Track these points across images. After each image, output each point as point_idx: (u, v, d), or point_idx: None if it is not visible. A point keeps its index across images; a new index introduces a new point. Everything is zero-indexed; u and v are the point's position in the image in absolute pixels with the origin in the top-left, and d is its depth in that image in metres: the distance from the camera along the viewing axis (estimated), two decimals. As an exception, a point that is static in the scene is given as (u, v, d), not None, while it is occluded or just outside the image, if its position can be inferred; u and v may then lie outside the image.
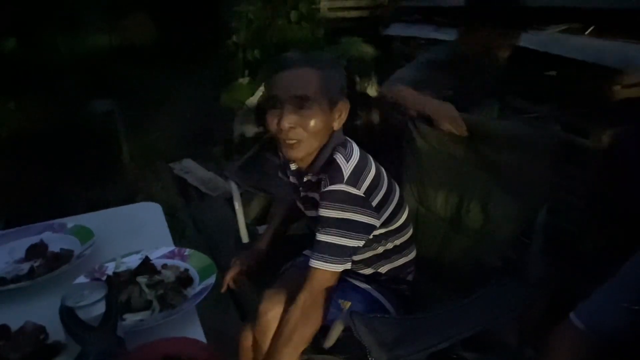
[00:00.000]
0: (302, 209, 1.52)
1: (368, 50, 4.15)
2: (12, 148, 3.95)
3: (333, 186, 1.27)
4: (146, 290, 1.04)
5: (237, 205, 1.92)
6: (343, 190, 1.27)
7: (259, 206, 2.18)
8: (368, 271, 1.50)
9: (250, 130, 4.37)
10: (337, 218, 1.28)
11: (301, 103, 1.27)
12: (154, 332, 0.96)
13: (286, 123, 1.26)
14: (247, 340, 1.50)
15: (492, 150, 1.61)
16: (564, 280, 1.45)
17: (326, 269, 1.28)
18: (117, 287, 1.02)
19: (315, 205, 1.39)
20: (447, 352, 1.28)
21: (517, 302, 1.43)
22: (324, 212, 1.28)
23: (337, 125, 1.35)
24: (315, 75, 1.28)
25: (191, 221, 3.13)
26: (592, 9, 2.76)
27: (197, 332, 0.98)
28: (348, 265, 1.33)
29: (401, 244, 1.50)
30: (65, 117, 4.47)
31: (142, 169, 4.01)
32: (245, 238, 1.90)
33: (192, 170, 4.08)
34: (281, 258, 1.69)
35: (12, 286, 1.14)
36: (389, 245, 1.47)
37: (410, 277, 1.59)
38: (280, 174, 1.69)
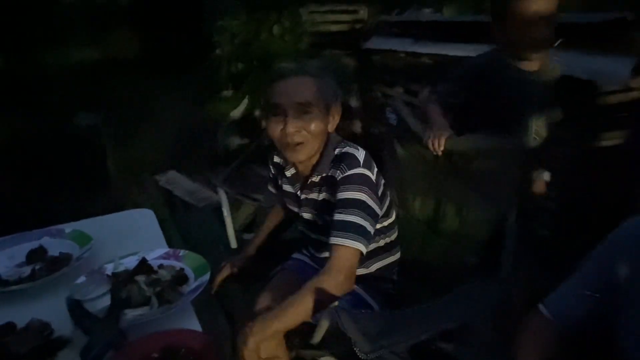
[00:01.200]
0: (298, 212, 1.61)
1: (349, 62, 4.28)
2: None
3: (352, 170, 1.39)
4: (145, 287, 1.11)
5: (226, 212, 2.00)
6: (361, 173, 1.40)
7: (245, 214, 2.26)
8: (359, 271, 1.58)
9: (235, 142, 4.44)
10: (356, 199, 1.38)
11: (303, 108, 1.39)
12: (154, 326, 1.03)
13: (292, 128, 1.38)
14: None
15: (463, 161, 1.72)
16: (536, 277, 1.55)
17: (349, 245, 1.34)
18: (117, 286, 1.09)
19: (316, 207, 1.52)
20: (427, 343, 1.37)
21: (491, 299, 1.54)
22: (344, 195, 1.39)
23: (331, 127, 1.48)
24: (313, 83, 1.41)
25: (177, 231, 3.19)
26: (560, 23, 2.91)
27: (194, 325, 1.05)
28: (365, 249, 1.38)
29: (390, 242, 1.62)
30: (52, 129, 4.50)
31: (127, 180, 4.05)
32: (233, 244, 1.97)
33: (177, 181, 4.12)
34: (270, 262, 1.76)
35: (15, 287, 1.20)
36: (381, 242, 1.58)
37: (395, 276, 1.69)
38: (270, 187, 1.78)
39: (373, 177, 1.43)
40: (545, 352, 1.14)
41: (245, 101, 4.33)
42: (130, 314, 1.05)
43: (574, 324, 1.14)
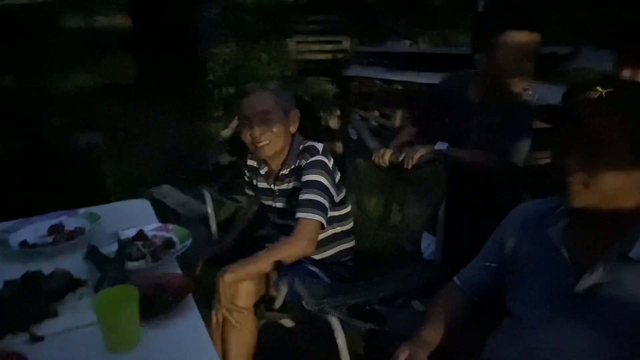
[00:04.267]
0: (272, 203, 1.97)
1: (329, 88, 4.69)
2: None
3: (313, 157, 1.80)
4: (141, 249, 1.47)
5: (210, 210, 2.35)
6: (320, 160, 1.80)
7: (226, 212, 2.61)
8: (317, 255, 1.92)
9: (224, 159, 4.81)
10: (317, 180, 1.77)
11: (265, 115, 1.80)
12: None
13: (257, 131, 1.79)
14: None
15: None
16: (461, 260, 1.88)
17: (311, 218, 1.72)
18: (121, 242, 1.45)
19: (287, 195, 1.90)
20: (364, 304, 1.71)
21: (422, 277, 1.88)
22: (307, 177, 1.78)
23: (293, 128, 1.89)
24: (270, 95, 1.83)
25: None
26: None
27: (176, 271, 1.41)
28: (324, 221, 1.74)
29: (346, 230, 1.99)
30: (55, 147, 4.82)
31: (125, 193, 4.37)
32: (215, 236, 2.31)
33: (170, 194, 4.46)
34: (244, 253, 2.09)
35: (40, 249, 1.56)
36: (337, 229, 1.95)
37: (349, 263, 2.03)
38: (246, 189, 2.15)
39: (330, 164, 1.83)
40: (453, 313, 1.37)
41: (235, 122, 4.70)
42: (131, 265, 1.40)
43: (479, 291, 1.40)
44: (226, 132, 4.72)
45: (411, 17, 5.26)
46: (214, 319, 1.65)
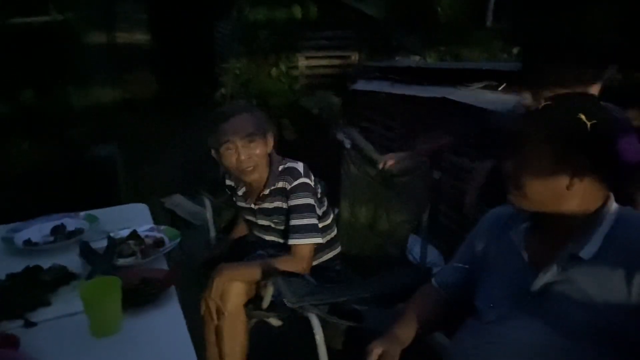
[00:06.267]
0: (254, 220, 2.02)
1: (337, 101, 4.79)
2: (24, 182, 4.47)
3: (297, 181, 1.83)
4: (133, 247, 1.58)
5: (209, 215, 2.47)
6: (304, 182, 1.84)
7: (226, 218, 2.72)
8: None
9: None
10: (305, 204, 1.82)
11: (249, 139, 1.80)
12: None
13: (243, 155, 1.79)
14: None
15: (391, 175, 2.16)
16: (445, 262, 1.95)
17: (306, 243, 1.80)
18: (112, 240, 1.57)
19: (269, 213, 1.94)
20: (345, 304, 1.78)
21: (404, 280, 1.95)
22: (295, 202, 1.82)
23: (269, 148, 1.90)
24: (252, 117, 1.84)
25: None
26: (506, 70, 3.39)
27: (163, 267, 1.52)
28: (321, 239, 1.82)
29: (331, 238, 2.05)
30: (72, 158, 5.02)
31: (137, 202, 4.50)
32: (213, 241, 2.43)
33: (181, 204, 4.59)
34: (238, 257, 2.18)
35: (42, 247, 1.69)
36: (323, 240, 1.97)
37: (338, 267, 2.11)
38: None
39: (312, 183, 1.88)
40: (428, 312, 1.44)
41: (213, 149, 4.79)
42: (122, 261, 1.52)
43: (453, 291, 1.45)
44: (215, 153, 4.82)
45: (420, 33, 5.35)
46: (203, 307, 1.76)
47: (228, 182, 2.11)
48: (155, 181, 5.00)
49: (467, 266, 1.45)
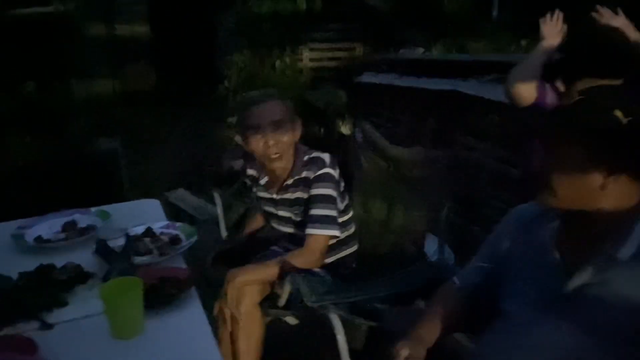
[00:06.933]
0: (275, 211, 1.98)
1: (342, 95, 4.74)
2: (25, 175, 4.42)
3: (321, 170, 1.79)
4: (149, 244, 1.54)
5: (219, 210, 2.43)
6: (328, 173, 1.80)
7: (236, 213, 2.68)
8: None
9: (238, 164, 4.88)
10: (326, 194, 1.78)
11: (278, 125, 1.78)
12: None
13: (271, 141, 1.77)
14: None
15: (406, 169, 2.14)
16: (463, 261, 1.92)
17: (322, 233, 1.76)
18: (129, 238, 1.52)
19: (290, 204, 1.90)
20: (366, 303, 1.75)
21: (422, 277, 1.91)
22: (317, 191, 1.78)
23: (296, 137, 1.87)
24: (280, 104, 1.83)
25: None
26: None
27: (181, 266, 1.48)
28: (338, 232, 1.78)
29: (349, 235, 2.00)
30: (73, 152, 4.98)
31: (141, 197, 4.46)
32: (224, 235, 2.39)
33: (184, 198, 4.56)
34: (253, 253, 2.15)
35: (54, 245, 1.64)
36: (342, 235, 1.93)
37: (354, 264, 2.07)
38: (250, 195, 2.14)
39: (337, 176, 1.84)
40: (451, 312, 1.39)
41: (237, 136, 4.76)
42: (139, 259, 1.47)
43: (475, 290, 1.42)
44: (240, 138, 4.79)
45: (424, 25, 5.30)
46: (216, 309, 1.73)
47: (250, 171, 2.04)
48: (158, 175, 4.95)
49: (490, 265, 1.41)
